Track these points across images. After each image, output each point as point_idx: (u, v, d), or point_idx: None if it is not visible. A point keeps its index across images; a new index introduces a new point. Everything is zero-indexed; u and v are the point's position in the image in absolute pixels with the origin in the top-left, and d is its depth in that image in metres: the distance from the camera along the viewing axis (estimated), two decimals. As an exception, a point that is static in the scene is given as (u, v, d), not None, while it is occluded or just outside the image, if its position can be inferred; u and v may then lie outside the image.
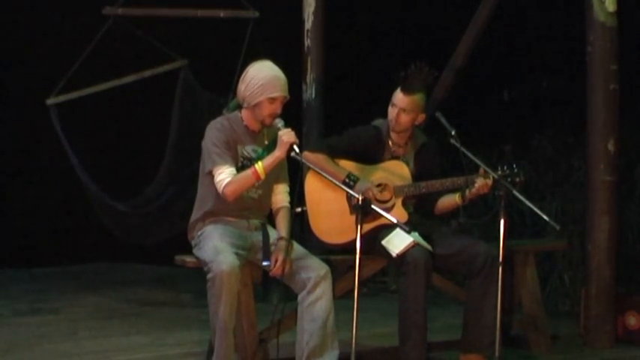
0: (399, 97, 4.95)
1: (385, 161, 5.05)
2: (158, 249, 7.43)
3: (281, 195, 4.79)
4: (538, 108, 8.92)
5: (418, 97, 4.95)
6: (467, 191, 4.89)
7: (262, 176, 4.50)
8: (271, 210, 4.80)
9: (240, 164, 4.60)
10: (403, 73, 4.91)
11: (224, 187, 4.50)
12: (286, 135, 4.47)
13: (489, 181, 4.81)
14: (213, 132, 4.61)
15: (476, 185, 4.83)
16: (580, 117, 6.13)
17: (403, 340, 4.81)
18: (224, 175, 4.51)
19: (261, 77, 4.55)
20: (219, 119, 4.71)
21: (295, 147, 4.45)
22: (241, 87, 4.61)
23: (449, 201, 5.04)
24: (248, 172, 4.51)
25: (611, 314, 5.95)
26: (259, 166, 4.49)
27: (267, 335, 4.85)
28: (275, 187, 4.77)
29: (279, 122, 4.55)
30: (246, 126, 4.67)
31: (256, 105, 4.57)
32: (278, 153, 4.48)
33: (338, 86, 7.71)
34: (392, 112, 4.97)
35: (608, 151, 5.90)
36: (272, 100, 4.55)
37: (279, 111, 4.58)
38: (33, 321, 6.58)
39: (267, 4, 7.66)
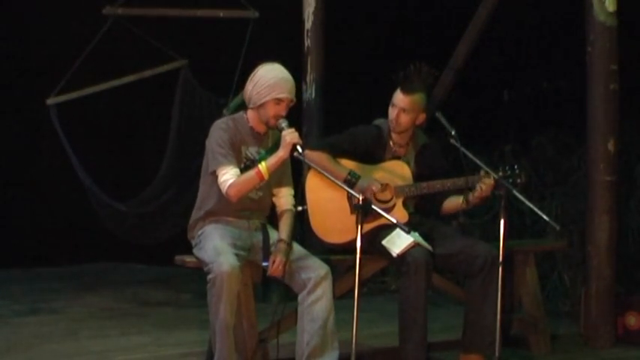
0: (398, 97, 4.96)
1: (386, 161, 5.05)
2: (158, 249, 7.43)
3: (285, 198, 4.78)
4: (538, 108, 8.92)
5: (418, 97, 4.95)
6: (470, 195, 4.88)
7: (266, 177, 4.50)
8: (272, 211, 4.80)
9: (243, 165, 4.59)
10: (402, 74, 4.92)
11: (228, 188, 4.49)
12: (289, 135, 4.46)
13: (491, 181, 4.81)
14: (218, 132, 4.60)
15: (478, 189, 4.83)
16: (580, 117, 6.13)
17: (403, 340, 4.81)
18: (228, 176, 4.50)
19: (270, 78, 4.54)
20: (224, 119, 4.71)
21: (298, 147, 4.44)
22: (249, 87, 4.61)
23: (454, 204, 5.04)
24: (252, 172, 4.50)
25: (611, 314, 5.95)
26: (263, 166, 4.48)
27: (267, 335, 4.85)
28: (279, 190, 4.77)
29: (283, 122, 4.54)
30: (251, 127, 4.66)
31: (262, 105, 4.56)
32: (281, 153, 4.47)
33: (338, 86, 7.71)
34: (392, 112, 4.98)
35: (608, 151, 5.89)
36: (278, 101, 4.54)
37: (284, 113, 4.57)
38: (33, 321, 6.58)
39: (267, 4, 7.65)
